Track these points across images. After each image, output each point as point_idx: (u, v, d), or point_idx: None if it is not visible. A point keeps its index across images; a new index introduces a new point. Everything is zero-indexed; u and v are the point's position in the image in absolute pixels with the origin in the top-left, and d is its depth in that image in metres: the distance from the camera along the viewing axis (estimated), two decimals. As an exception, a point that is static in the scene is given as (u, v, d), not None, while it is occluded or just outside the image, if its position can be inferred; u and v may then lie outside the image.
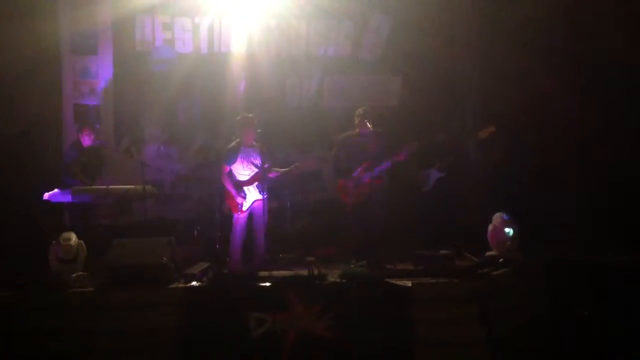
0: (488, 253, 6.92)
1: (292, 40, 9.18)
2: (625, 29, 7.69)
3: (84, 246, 6.42)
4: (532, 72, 8.11)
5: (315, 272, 6.24)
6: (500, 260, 6.59)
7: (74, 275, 6.11)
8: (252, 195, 7.08)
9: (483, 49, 8.77)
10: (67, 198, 7.00)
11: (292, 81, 9.29)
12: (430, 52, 8.95)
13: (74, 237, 6.37)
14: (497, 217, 6.95)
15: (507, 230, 6.86)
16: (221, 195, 7.39)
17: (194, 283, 6.11)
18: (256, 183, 7.07)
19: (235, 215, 7.12)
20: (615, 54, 7.70)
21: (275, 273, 6.46)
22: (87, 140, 7.56)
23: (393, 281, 6.05)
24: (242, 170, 7.12)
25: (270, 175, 7.16)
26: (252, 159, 7.10)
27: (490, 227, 6.97)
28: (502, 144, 8.13)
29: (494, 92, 8.42)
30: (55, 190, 7.01)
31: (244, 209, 7.07)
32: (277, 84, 9.21)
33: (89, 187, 7.19)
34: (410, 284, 5.92)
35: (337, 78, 9.31)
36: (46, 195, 7.03)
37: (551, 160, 8.11)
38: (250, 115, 7.35)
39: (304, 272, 6.43)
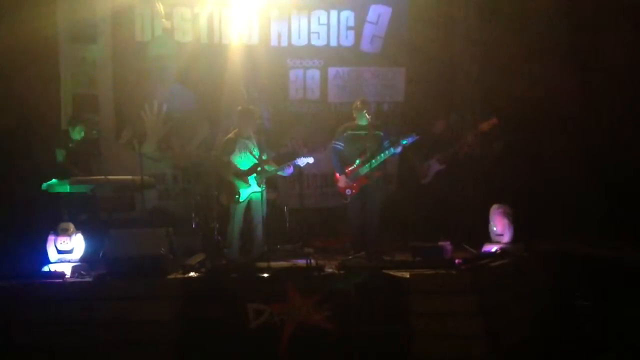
0: (486, 245, 6.93)
1: (294, 30, 9.14)
2: (629, 21, 7.64)
3: (82, 237, 6.41)
4: (533, 64, 8.08)
5: (314, 263, 6.24)
6: (499, 252, 6.60)
7: (72, 266, 6.12)
8: (251, 187, 7.07)
9: (483, 40, 8.74)
10: (65, 188, 6.98)
11: (295, 73, 9.24)
12: (429, 44, 8.93)
13: (72, 228, 6.37)
14: (495, 209, 6.97)
15: (499, 222, 6.88)
16: (219, 186, 7.39)
17: (192, 274, 6.11)
18: (254, 174, 7.06)
19: (234, 206, 7.11)
20: (619, 46, 7.66)
21: (274, 264, 6.46)
22: (80, 131, 7.51)
23: (391, 272, 6.05)
24: (241, 161, 7.11)
25: (269, 167, 7.15)
26: (250, 150, 7.09)
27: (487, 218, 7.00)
28: (502, 137, 8.12)
29: (494, 84, 8.40)
30: (53, 180, 7.00)
31: (242, 200, 7.06)
32: (279, 76, 9.17)
33: (87, 178, 7.17)
34: (408, 276, 5.91)
35: (340, 70, 9.27)
36: (44, 186, 7.02)
37: (551, 153, 8.09)
38: (250, 106, 7.36)
39: (302, 263, 6.44)
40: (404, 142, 7.08)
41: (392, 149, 7.11)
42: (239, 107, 7.32)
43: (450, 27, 9.04)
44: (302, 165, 7.26)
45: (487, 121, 7.68)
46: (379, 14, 9.22)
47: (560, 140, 8.13)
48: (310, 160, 7.28)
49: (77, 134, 7.49)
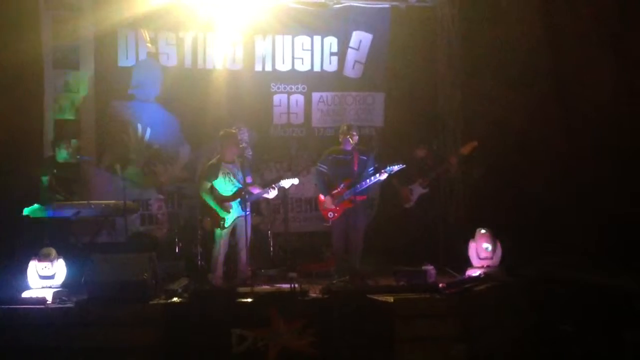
0: (469, 270, 6.94)
1: (278, 56, 9.19)
2: (610, 51, 7.75)
3: (64, 262, 6.35)
4: (513, 90, 8.17)
5: (297, 288, 6.22)
6: (483, 276, 6.61)
7: (54, 291, 6.06)
8: (235, 211, 7.06)
9: (464, 67, 8.84)
10: (47, 213, 6.94)
11: (279, 98, 9.28)
12: (411, 70, 9.04)
13: (53, 253, 6.30)
14: (479, 233, 7.00)
15: (485, 245, 6.92)
16: (203, 211, 7.36)
17: (175, 299, 6.06)
18: (238, 199, 7.04)
19: (218, 231, 7.09)
20: (599, 76, 7.75)
21: (257, 289, 6.42)
22: (63, 155, 7.50)
23: (375, 297, 6.03)
24: (224, 186, 7.10)
25: (253, 190, 7.15)
26: (233, 174, 7.09)
27: (471, 243, 7.01)
28: (483, 161, 8.19)
29: (476, 110, 8.48)
30: (35, 205, 6.95)
31: (227, 225, 7.05)
32: (263, 101, 9.19)
33: (69, 202, 7.13)
34: (392, 300, 5.90)
35: (324, 95, 9.32)
36: (26, 210, 6.97)
37: (533, 177, 8.16)
38: (232, 130, 7.37)
39: (285, 288, 6.41)
40: (389, 169, 7.12)
41: (377, 176, 7.14)
42: (221, 132, 7.32)
43: (432, 53, 9.15)
44: (286, 187, 7.26)
45: (467, 145, 7.77)
46: (360, 40, 9.32)
47: (542, 166, 8.20)
48: (295, 181, 7.27)
49: (61, 157, 7.47)
